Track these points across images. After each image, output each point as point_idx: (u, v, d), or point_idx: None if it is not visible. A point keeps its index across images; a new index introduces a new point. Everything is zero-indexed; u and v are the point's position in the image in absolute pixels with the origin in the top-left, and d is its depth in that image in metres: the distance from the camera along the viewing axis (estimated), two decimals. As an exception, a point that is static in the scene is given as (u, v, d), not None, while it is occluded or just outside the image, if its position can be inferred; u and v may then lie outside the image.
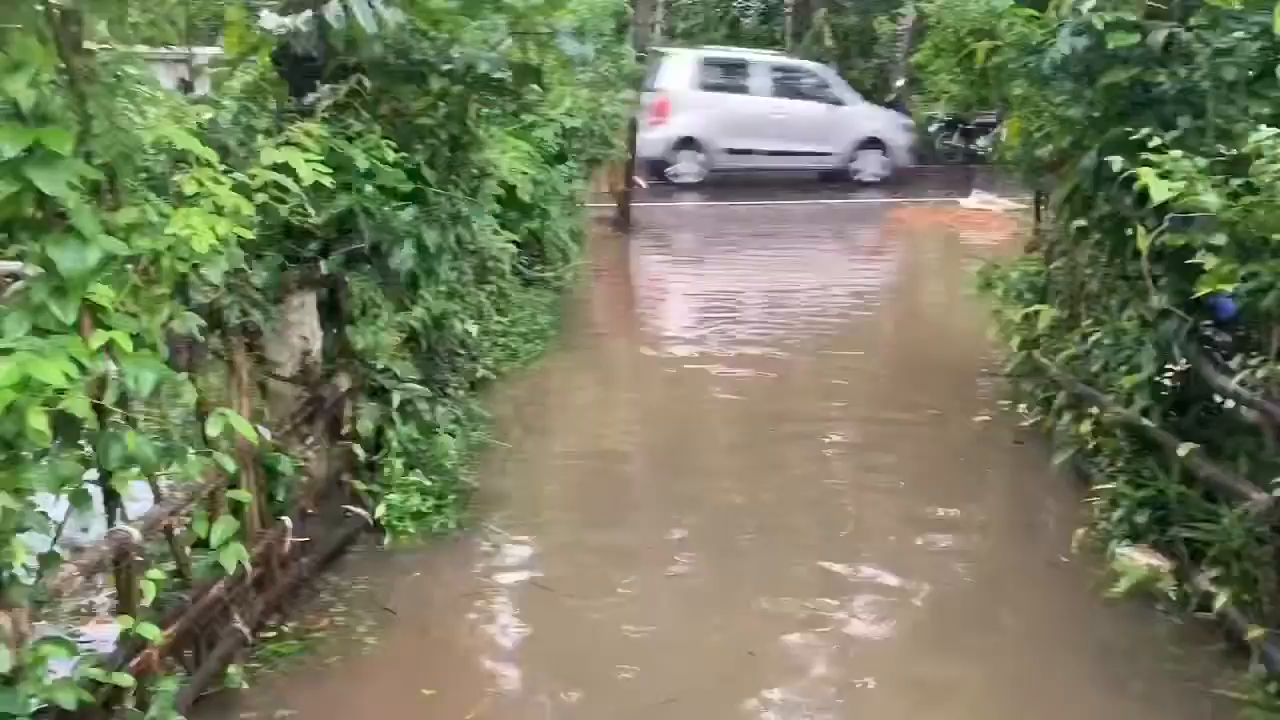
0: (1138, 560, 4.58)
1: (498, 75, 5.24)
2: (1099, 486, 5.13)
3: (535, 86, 5.86)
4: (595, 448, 6.51)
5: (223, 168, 3.69)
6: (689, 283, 11.92)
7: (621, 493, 5.98)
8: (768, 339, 9.54)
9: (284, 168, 4.07)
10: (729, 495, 5.77)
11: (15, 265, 3.17)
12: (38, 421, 2.62)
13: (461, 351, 6.77)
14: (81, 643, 3.63)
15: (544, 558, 5.01)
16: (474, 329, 6.61)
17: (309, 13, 4.53)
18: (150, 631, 3.22)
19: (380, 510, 5.05)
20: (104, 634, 3.93)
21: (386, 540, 4.99)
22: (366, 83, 4.89)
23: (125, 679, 3.09)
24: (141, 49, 3.91)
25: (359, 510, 5.04)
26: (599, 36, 11.90)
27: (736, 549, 5.11)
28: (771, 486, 5.96)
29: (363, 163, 4.70)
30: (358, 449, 5.03)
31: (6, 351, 2.68)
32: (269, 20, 4.82)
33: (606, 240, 13.68)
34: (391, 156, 4.85)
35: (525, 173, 8.66)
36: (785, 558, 4.99)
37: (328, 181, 4.26)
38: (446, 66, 5.12)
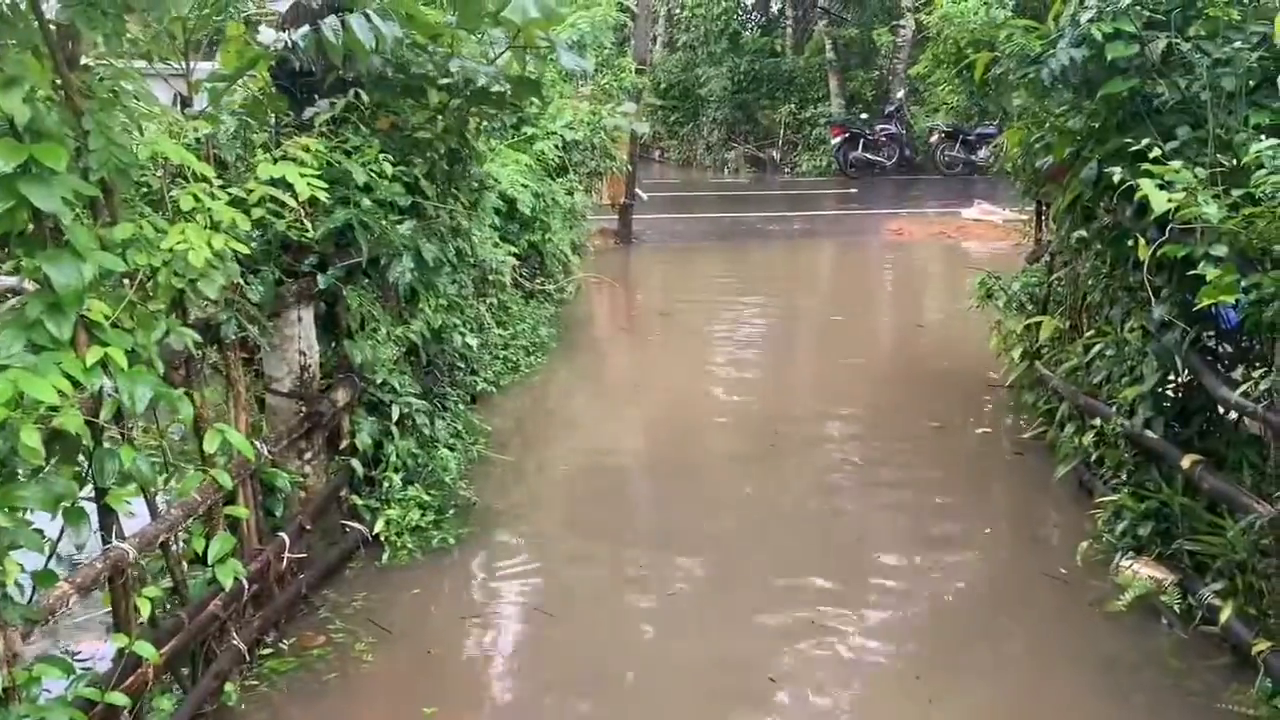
0: (1141, 573, 4.56)
1: (496, 89, 5.24)
2: (1102, 498, 5.11)
3: (535, 100, 5.84)
4: (596, 462, 6.49)
5: (220, 183, 3.70)
6: (689, 292, 11.92)
7: (622, 508, 5.95)
8: (766, 350, 9.53)
9: (281, 182, 4.08)
10: (730, 510, 5.73)
11: (13, 280, 3.16)
12: (31, 438, 2.62)
13: (461, 365, 6.76)
14: (77, 661, 3.61)
15: (544, 574, 4.97)
16: (474, 342, 6.60)
17: (307, 27, 4.54)
18: (146, 649, 3.19)
19: (379, 525, 5.03)
20: (100, 652, 3.92)
21: (385, 556, 4.97)
22: (364, 97, 4.90)
23: (120, 698, 3.06)
24: (139, 64, 3.92)
25: (357, 526, 5.02)
26: (599, 50, 11.97)
27: (739, 565, 5.07)
28: (773, 501, 5.93)
29: (360, 176, 4.71)
30: (356, 464, 5.01)
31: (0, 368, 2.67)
32: (267, 35, 4.84)
33: (608, 252, 13.71)
34: (390, 170, 4.86)
35: (526, 185, 8.68)
36: (788, 573, 4.95)
37: (324, 196, 4.27)
38: (445, 80, 5.12)
